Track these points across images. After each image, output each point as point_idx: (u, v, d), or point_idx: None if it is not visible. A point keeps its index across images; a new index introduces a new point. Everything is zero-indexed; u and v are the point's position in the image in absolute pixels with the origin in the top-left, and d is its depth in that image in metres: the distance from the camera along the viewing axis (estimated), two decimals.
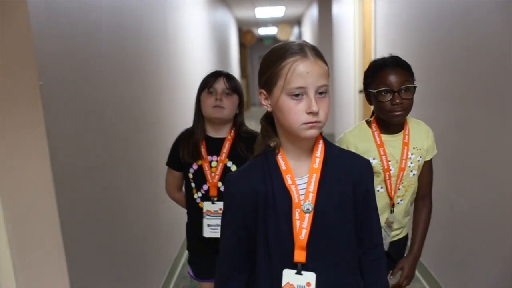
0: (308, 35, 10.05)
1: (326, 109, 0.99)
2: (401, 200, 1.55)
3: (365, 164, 1.11)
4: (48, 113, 1.38)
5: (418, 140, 1.53)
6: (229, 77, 1.68)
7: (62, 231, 1.42)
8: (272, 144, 1.06)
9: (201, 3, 5.32)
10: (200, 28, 5.21)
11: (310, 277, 1.01)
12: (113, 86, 2.02)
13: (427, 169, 1.58)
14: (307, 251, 1.01)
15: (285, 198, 1.02)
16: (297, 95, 0.97)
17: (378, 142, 1.49)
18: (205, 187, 1.69)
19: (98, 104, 1.84)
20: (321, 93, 0.98)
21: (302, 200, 1.02)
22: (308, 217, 1.01)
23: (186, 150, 1.67)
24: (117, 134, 2.04)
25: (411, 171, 1.52)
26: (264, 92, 1.04)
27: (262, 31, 14.44)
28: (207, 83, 1.66)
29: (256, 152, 1.09)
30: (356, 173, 1.07)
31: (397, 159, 1.49)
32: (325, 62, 1.01)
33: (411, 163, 1.51)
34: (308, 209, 1.01)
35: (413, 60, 1.63)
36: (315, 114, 0.97)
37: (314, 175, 1.03)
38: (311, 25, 9.23)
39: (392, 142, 1.50)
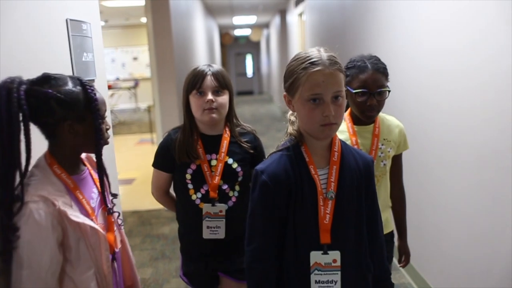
0: (274, 36, 13.02)
1: (340, 112, 1.09)
2: None
3: (371, 161, 1.23)
4: (176, 65, 4.29)
5: (390, 133, 1.62)
6: (216, 72, 1.56)
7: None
8: (297, 139, 1.17)
9: (199, 14, 8.12)
10: (201, 32, 8.08)
11: (335, 255, 1.13)
12: (184, 59, 4.96)
13: (398, 162, 1.70)
14: (331, 234, 1.13)
15: (311, 187, 1.13)
16: (314, 100, 1.07)
17: (351, 132, 1.59)
18: (205, 187, 1.59)
19: (187, 65, 4.77)
20: (336, 97, 1.08)
21: (325, 188, 1.14)
22: (331, 204, 1.13)
23: (182, 150, 1.57)
24: None
25: (382, 161, 1.59)
26: (288, 96, 1.15)
27: (238, 32, 17.10)
28: (195, 84, 1.55)
29: (282, 146, 1.19)
30: (364, 167, 1.20)
31: (368, 149, 1.58)
32: (341, 70, 1.10)
33: (381, 153, 1.59)
34: (331, 196, 1.13)
35: None
36: (331, 117, 1.06)
37: (334, 167, 1.15)
38: (276, 29, 12.21)
39: (364, 133, 1.60)
